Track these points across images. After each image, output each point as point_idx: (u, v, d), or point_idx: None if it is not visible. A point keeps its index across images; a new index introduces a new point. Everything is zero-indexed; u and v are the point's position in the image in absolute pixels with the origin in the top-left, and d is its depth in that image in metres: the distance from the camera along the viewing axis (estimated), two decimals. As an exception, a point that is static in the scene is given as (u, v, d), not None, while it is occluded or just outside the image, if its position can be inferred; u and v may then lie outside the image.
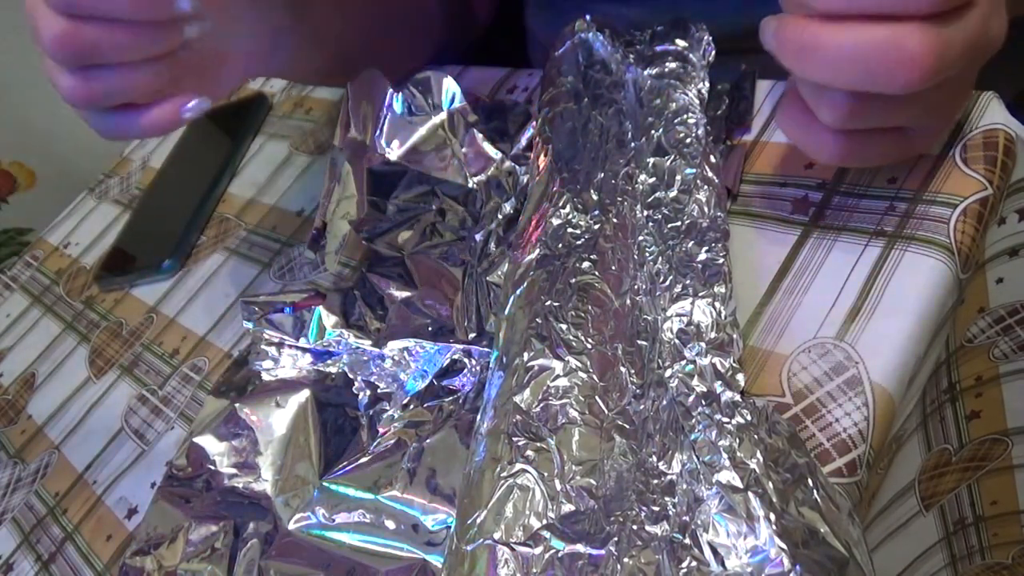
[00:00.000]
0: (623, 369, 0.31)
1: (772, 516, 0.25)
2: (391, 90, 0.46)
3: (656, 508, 0.27)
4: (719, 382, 0.30)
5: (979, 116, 0.34)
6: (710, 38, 0.41)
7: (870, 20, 0.26)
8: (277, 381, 0.43)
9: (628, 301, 0.34)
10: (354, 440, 0.39)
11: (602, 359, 0.32)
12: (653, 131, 0.39)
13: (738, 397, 0.29)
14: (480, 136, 0.45)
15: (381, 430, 0.38)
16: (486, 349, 0.37)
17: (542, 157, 0.40)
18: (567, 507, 0.28)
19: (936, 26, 0.26)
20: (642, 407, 0.31)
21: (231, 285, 0.56)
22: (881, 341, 0.30)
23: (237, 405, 0.42)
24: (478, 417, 0.32)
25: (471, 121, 0.45)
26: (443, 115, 0.46)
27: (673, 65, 0.41)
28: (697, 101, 0.39)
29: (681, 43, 0.42)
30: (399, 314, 0.42)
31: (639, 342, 0.32)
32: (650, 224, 0.36)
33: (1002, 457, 0.41)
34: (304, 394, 0.41)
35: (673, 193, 0.36)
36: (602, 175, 0.38)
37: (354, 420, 0.39)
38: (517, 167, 0.44)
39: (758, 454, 0.27)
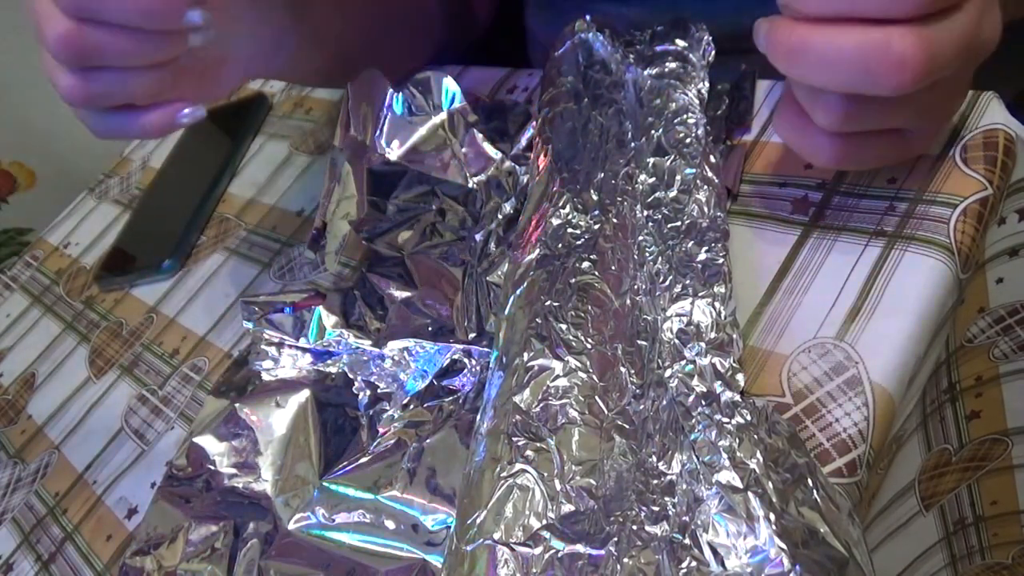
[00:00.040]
0: (623, 369, 0.31)
1: (772, 516, 0.25)
2: (391, 90, 0.46)
3: (656, 508, 0.27)
4: (719, 382, 0.30)
5: (979, 116, 0.34)
6: (710, 38, 0.41)
7: (859, 23, 0.26)
8: (277, 381, 0.43)
9: (628, 301, 0.34)
10: (354, 440, 0.39)
11: (602, 359, 0.32)
12: (653, 131, 0.39)
13: (738, 397, 0.29)
14: (480, 136, 0.45)
15: (381, 430, 0.38)
16: (486, 349, 0.37)
17: (542, 157, 0.40)
18: (567, 507, 0.28)
19: (925, 28, 0.26)
20: (642, 407, 0.31)
21: (231, 285, 0.56)
22: (881, 341, 0.30)
23: (237, 405, 0.42)
24: (478, 417, 0.32)
25: (471, 121, 0.45)
26: (443, 115, 0.46)
27: (673, 65, 0.41)
28: (697, 101, 0.39)
29: (681, 43, 0.42)
30: (399, 314, 0.42)
31: (639, 342, 0.32)
32: (650, 224, 0.36)
33: (1002, 457, 0.41)
34: (304, 394, 0.41)
35: (673, 193, 0.36)
36: (602, 175, 0.38)
37: (354, 420, 0.39)
38: (517, 167, 0.44)
39: (758, 454, 0.27)
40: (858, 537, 0.26)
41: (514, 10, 0.63)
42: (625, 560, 0.26)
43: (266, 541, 0.37)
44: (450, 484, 0.34)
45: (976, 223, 0.32)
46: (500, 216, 0.43)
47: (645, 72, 0.41)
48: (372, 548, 0.34)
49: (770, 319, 0.33)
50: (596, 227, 0.36)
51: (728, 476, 0.27)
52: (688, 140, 0.37)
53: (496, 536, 0.27)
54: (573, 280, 0.34)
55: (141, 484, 0.47)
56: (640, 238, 0.36)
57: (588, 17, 0.44)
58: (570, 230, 0.36)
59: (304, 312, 0.43)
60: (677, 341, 0.32)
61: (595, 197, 0.37)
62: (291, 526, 0.36)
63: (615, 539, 0.27)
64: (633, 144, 0.39)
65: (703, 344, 0.31)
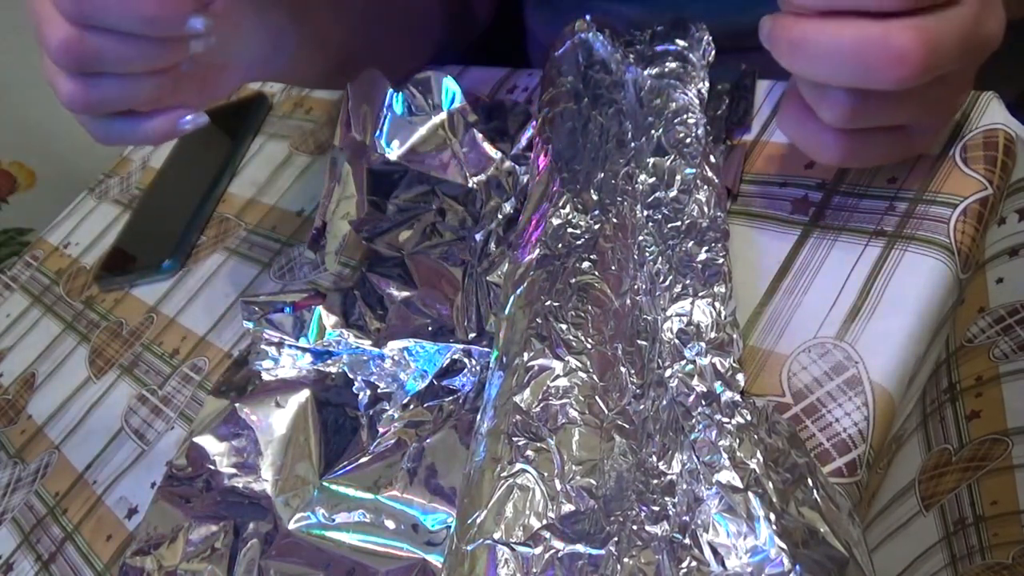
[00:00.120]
0: (623, 369, 0.31)
1: (772, 516, 0.25)
2: (391, 90, 0.46)
3: (656, 508, 0.27)
4: (719, 382, 0.30)
5: (979, 116, 0.34)
6: (710, 38, 0.41)
7: (861, 16, 0.26)
8: (277, 381, 0.43)
9: (628, 301, 0.34)
10: (354, 440, 0.39)
11: (602, 359, 0.32)
12: (653, 131, 0.39)
13: (738, 397, 0.29)
14: (480, 136, 0.45)
15: (381, 430, 0.38)
16: (486, 349, 0.37)
17: (542, 157, 0.40)
18: (567, 507, 0.28)
19: (923, 21, 0.26)
20: (642, 407, 0.31)
21: (231, 285, 0.56)
22: (881, 341, 0.30)
23: (237, 405, 0.42)
24: (478, 417, 0.32)
25: (471, 121, 0.45)
26: (443, 115, 0.46)
27: (673, 65, 0.41)
28: (697, 101, 0.39)
29: (681, 43, 0.42)
30: (399, 314, 0.42)
31: (639, 342, 0.32)
32: (650, 224, 0.36)
33: (1002, 457, 0.41)
34: (304, 394, 0.41)
35: (673, 193, 0.36)
36: (602, 175, 0.38)
37: (354, 420, 0.39)
38: (517, 167, 0.44)
39: (758, 454, 0.27)
40: (858, 537, 0.26)
41: (514, 10, 0.63)
42: (625, 560, 0.26)
43: (266, 541, 0.37)
44: (450, 484, 0.34)
45: (976, 223, 0.32)
46: (500, 216, 0.43)
47: (645, 72, 0.41)
48: (372, 548, 0.34)
49: (770, 319, 0.33)
50: (596, 227, 0.36)
51: (728, 476, 0.27)
52: (688, 140, 0.37)
53: (496, 536, 0.27)
54: (573, 280, 0.34)
55: (141, 484, 0.47)
56: (640, 238, 0.36)
57: (588, 17, 0.44)
58: (570, 230, 0.36)
59: (304, 312, 0.43)
60: (677, 341, 0.32)
61: (595, 197, 0.37)
62: (291, 526, 0.36)
63: (615, 539, 0.27)
64: (633, 144, 0.39)
65: (703, 344, 0.31)
